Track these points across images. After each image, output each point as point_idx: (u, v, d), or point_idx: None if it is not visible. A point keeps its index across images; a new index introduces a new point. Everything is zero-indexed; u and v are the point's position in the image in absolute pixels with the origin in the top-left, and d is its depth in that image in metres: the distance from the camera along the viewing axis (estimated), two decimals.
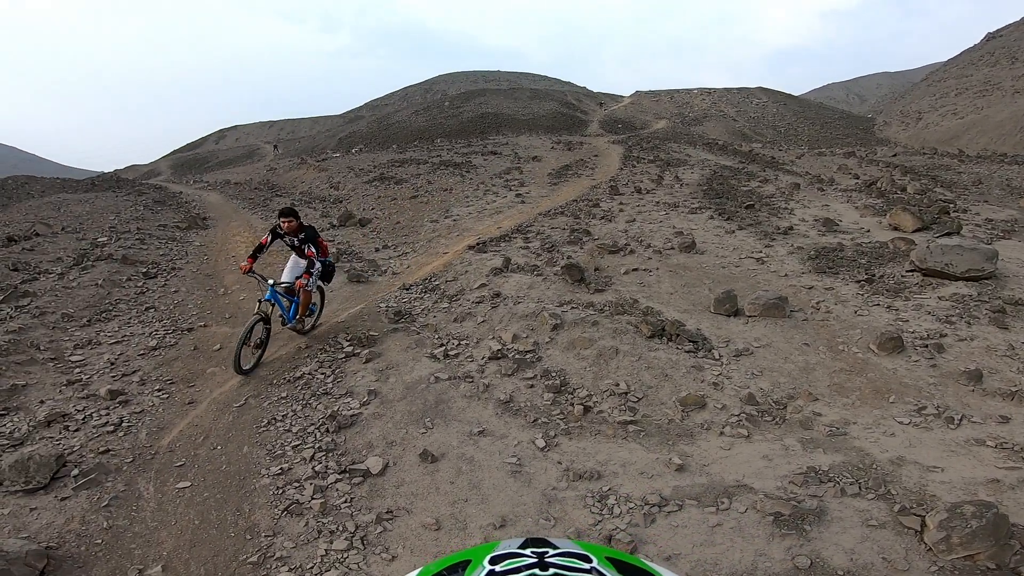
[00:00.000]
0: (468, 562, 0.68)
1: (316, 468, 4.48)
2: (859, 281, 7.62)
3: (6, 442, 4.79)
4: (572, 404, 5.19)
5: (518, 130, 33.12)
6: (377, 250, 11.10)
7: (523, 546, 0.70)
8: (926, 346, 5.74)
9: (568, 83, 75.52)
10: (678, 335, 6.15)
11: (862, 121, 51.72)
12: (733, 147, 25.33)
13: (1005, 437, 4.34)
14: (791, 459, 4.29)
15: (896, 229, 10.10)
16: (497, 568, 0.64)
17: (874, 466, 4.08)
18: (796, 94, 68.83)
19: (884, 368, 5.51)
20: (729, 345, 6.11)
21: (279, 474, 4.45)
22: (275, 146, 49.41)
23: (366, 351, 6.28)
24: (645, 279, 8.11)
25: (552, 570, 0.62)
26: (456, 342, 6.40)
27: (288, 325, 6.45)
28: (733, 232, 10.31)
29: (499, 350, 6.00)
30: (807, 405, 5.09)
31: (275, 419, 5.19)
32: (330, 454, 4.66)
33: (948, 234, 9.07)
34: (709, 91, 54.89)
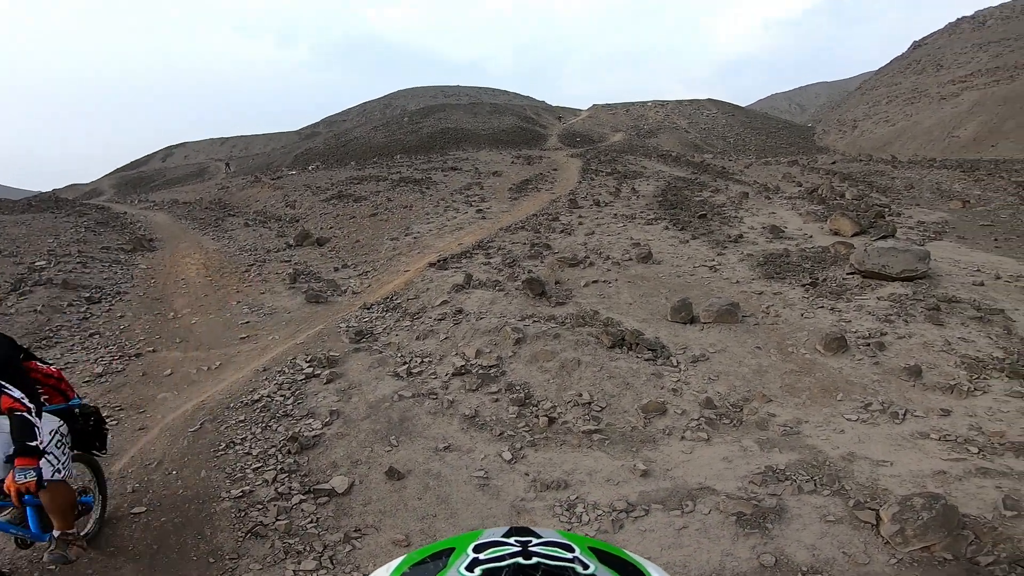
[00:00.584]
0: (452, 550, 0.68)
1: (279, 489, 4.40)
2: (804, 285, 8.00)
3: None
4: (537, 416, 5.24)
5: (478, 145, 33.34)
6: (336, 269, 10.94)
7: (507, 535, 0.70)
8: (868, 345, 6.06)
9: (528, 97, 76.47)
10: (638, 344, 6.30)
11: (803, 130, 54.28)
12: (686, 158, 26.19)
13: (948, 429, 4.61)
14: (749, 460, 4.44)
15: (836, 234, 10.65)
16: (481, 556, 0.65)
17: (827, 463, 4.28)
18: (743, 105, 71.76)
19: (831, 367, 5.79)
20: (686, 352, 6.30)
21: (240, 497, 4.35)
22: (227, 164, 47.81)
23: (327, 371, 6.17)
24: (605, 290, 8.28)
25: (535, 559, 0.63)
26: (419, 360, 6.37)
27: (45, 556, 3.15)
28: (687, 241, 10.65)
29: (463, 366, 6.00)
30: (762, 406, 5.29)
31: (233, 442, 5.07)
32: (293, 475, 4.59)
33: (884, 237, 9.63)
34: (663, 103, 56.54)
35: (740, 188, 16.75)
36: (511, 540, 0.68)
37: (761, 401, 5.37)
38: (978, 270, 8.23)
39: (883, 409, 5.05)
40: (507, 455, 4.72)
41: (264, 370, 6.40)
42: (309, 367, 6.32)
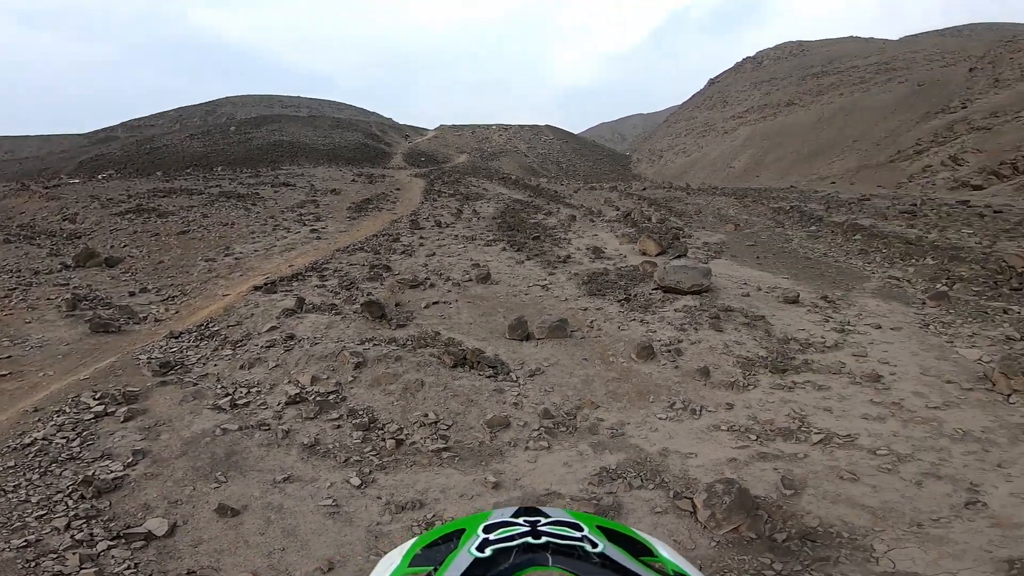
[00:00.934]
0: (462, 531, 0.68)
1: (77, 536, 3.81)
2: (620, 300, 9.03)
3: None
4: (383, 439, 5.11)
5: (316, 160, 31.46)
6: (132, 294, 9.44)
7: (516, 515, 0.71)
8: (669, 351, 7.04)
9: (375, 113, 74.10)
10: (479, 362, 6.50)
11: (622, 158, 60.94)
12: (524, 181, 27.81)
13: (732, 421, 5.48)
14: (586, 463, 4.85)
15: (644, 254, 12.22)
16: (491, 536, 0.65)
17: (648, 459, 4.84)
18: (576, 132, 78.15)
19: (643, 373, 6.61)
20: (524, 367, 6.67)
21: (25, 547, 3.72)
22: None
23: (124, 409, 5.30)
24: (445, 311, 8.40)
25: (545, 538, 0.63)
26: (245, 390, 5.80)
27: None
28: (523, 262, 11.32)
29: (297, 394, 5.61)
30: (591, 412, 5.82)
31: (3, 490, 4.30)
32: (93, 521, 4.01)
33: (678, 256, 11.33)
34: (506, 127, 58.96)
35: (569, 211, 18.33)
36: (520, 520, 0.69)
37: (590, 408, 5.90)
38: (745, 283, 10.09)
39: (684, 407, 5.89)
40: (355, 480, 4.54)
41: (35, 411, 5.31)
42: (99, 405, 5.39)
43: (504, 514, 0.72)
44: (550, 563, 0.60)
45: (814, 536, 3.80)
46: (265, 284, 9.02)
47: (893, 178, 27.60)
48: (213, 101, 68.01)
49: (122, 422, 5.16)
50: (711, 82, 66.49)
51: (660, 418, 5.67)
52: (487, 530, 0.67)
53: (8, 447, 4.73)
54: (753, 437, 5.15)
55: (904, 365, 6.45)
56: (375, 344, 6.74)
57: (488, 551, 0.62)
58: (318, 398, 5.57)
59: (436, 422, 5.39)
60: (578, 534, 0.66)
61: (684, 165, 48.51)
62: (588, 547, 0.63)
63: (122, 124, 62.26)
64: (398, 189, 21.01)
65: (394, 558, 0.69)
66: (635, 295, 9.26)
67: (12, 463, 4.55)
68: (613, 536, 0.68)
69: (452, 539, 0.68)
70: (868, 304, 8.98)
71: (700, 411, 5.77)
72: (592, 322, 8.10)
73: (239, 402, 5.55)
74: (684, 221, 17.86)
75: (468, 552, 0.63)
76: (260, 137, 38.03)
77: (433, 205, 17.92)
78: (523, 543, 0.63)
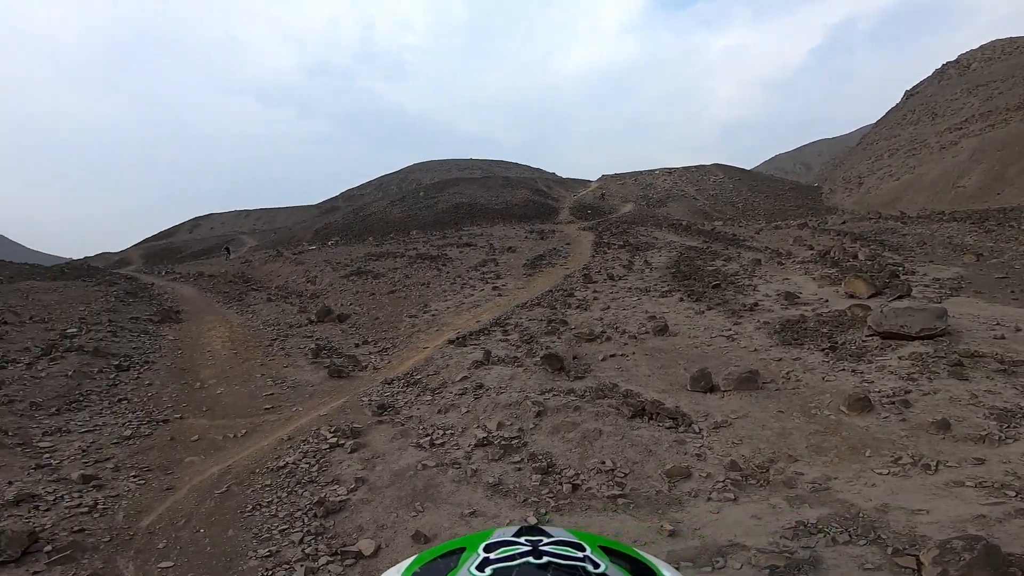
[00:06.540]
0: (463, 549, 0.69)
1: (306, 551, 4.50)
2: (823, 349, 8.00)
3: None
4: (560, 483, 5.23)
5: (492, 219, 34.30)
6: (357, 345, 11.19)
7: (518, 534, 0.71)
8: (893, 403, 6.00)
9: (538, 169, 78.05)
10: (658, 414, 6.31)
11: (810, 190, 53.95)
12: (697, 227, 26.62)
13: (984, 476, 4.53)
14: (779, 516, 4.37)
15: (852, 296, 10.69)
16: (492, 555, 0.65)
17: (860, 515, 4.20)
18: (748, 167, 72.04)
19: (856, 426, 5.73)
20: (708, 419, 6.28)
21: (267, 556, 4.47)
22: (227, 248, 40.20)
23: (351, 442, 6.27)
24: (623, 363, 8.36)
25: (546, 558, 0.63)
26: (441, 432, 6.44)
27: None
28: (703, 312, 10.76)
29: (485, 437, 6.06)
30: (788, 466, 5.22)
31: (260, 505, 5.22)
32: (320, 537, 4.69)
33: (900, 297, 9.66)
34: (670, 171, 56.74)
35: (752, 255, 17.00)
36: (522, 540, 0.68)
37: (788, 461, 5.30)
38: (998, 324, 8.19)
39: (914, 462, 4.96)
40: (532, 520, 4.72)
41: (289, 439, 6.54)
42: (333, 437, 6.44)
43: (506, 533, 0.71)
44: None
45: None
46: (457, 338, 10.00)
47: None
48: (404, 168, 77.97)
49: (349, 453, 6.10)
50: (909, 94, 55.78)
51: (880, 473, 4.88)
52: (488, 549, 0.67)
53: (267, 468, 5.90)
54: (1011, 493, 4.22)
55: None
56: (555, 394, 6.97)
57: (488, 570, 0.62)
58: (502, 442, 5.94)
59: (612, 470, 5.35)
60: (580, 554, 0.65)
61: (894, 190, 41.30)
62: (590, 567, 0.62)
63: (342, 194, 74.97)
64: (568, 244, 21.72)
65: (393, 575, 0.70)
66: (843, 343, 8.17)
67: (268, 482, 5.64)
68: (617, 557, 0.67)
69: (452, 557, 0.68)
70: None
71: (936, 466, 4.85)
72: (788, 373, 7.33)
73: (436, 442, 6.19)
74: (903, 256, 15.30)
75: (468, 571, 0.62)
76: (444, 200, 42.64)
77: (603, 258, 18.13)
78: (523, 563, 0.62)
